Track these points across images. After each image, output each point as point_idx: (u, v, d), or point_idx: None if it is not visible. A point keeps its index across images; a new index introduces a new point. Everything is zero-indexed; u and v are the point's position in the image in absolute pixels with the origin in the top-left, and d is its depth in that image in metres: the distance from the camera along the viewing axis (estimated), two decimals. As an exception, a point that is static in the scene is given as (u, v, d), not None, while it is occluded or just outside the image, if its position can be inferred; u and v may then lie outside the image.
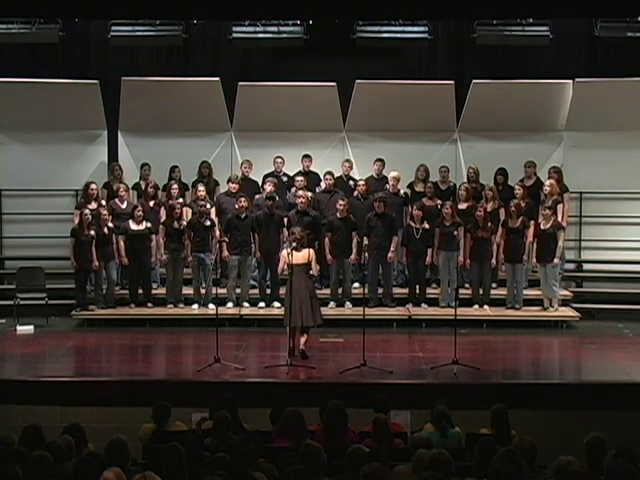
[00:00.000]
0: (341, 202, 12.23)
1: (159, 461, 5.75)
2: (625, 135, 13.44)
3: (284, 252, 10.45)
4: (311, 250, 10.44)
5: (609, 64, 13.89)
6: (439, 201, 12.60)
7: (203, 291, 12.39)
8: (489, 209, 12.43)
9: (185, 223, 12.34)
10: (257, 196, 12.82)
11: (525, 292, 12.43)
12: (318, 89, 13.34)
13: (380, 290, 12.50)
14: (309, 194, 12.54)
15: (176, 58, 14.30)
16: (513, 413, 7.32)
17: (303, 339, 10.23)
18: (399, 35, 13.33)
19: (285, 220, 12.24)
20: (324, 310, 12.10)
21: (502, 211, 12.53)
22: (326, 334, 11.32)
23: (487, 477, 5.46)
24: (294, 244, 10.23)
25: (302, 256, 10.19)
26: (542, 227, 12.19)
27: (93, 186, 12.76)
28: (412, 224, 12.34)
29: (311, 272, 10.30)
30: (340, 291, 12.48)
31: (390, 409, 7.58)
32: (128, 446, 5.91)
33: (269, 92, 13.41)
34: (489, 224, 12.23)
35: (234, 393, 7.65)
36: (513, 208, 12.21)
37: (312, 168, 13.22)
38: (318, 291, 12.49)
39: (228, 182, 12.89)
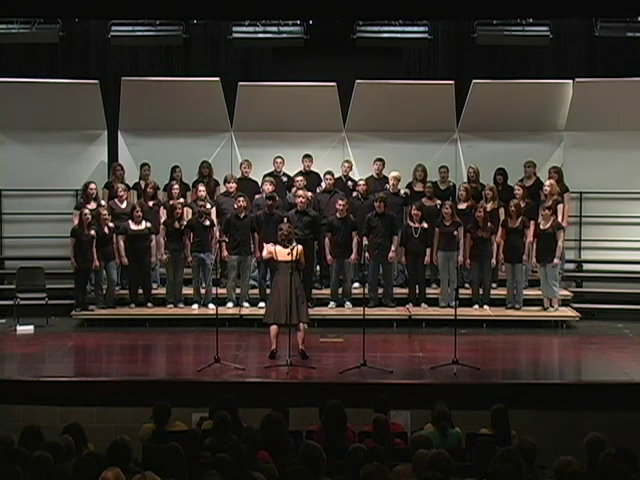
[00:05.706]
0: (341, 202, 12.22)
1: (159, 461, 5.74)
2: (625, 135, 13.44)
3: (269, 245, 10.42)
4: (299, 247, 10.22)
5: (609, 64, 13.91)
6: (438, 201, 12.60)
7: (203, 291, 12.39)
8: (489, 209, 12.41)
9: (185, 223, 12.35)
10: (257, 196, 12.81)
11: (525, 292, 12.42)
12: (318, 89, 13.34)
13: (380, 290, 12.50)
14: (309, 194, 12.53)
15: (176, 58, 14.32)
16: (513, 413, 7.32)
17: (300, 338, 10.17)
18: (399, 35, 13.35)
19: (285, 220, 12.22)
20: (324, 310, 12.19)
21: (502, 211, 12.53)
22: (326, 334, 11.34)
23: (487, 477, 5.45)
24: (280, 240, 10.17)
25: (288, 253, 10.03)
26: (542, 227, 12.19)
27: (92, 186, 12.74)
28: (410, 224, 12.34)
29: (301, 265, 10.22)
30: (340, 291, 12.47)
31: (390, 409, 7.57)
32: (131, 447, 5.91)
33: (269, 92, 13.41)
34: (489, 224, 12.22)
35: (234, 393, 7.65)
36: (513, 208, 12.20)
37: (312, 168, 13.23)
38: (318, 291, 12.56)
39: (224, 183, 12.91)
